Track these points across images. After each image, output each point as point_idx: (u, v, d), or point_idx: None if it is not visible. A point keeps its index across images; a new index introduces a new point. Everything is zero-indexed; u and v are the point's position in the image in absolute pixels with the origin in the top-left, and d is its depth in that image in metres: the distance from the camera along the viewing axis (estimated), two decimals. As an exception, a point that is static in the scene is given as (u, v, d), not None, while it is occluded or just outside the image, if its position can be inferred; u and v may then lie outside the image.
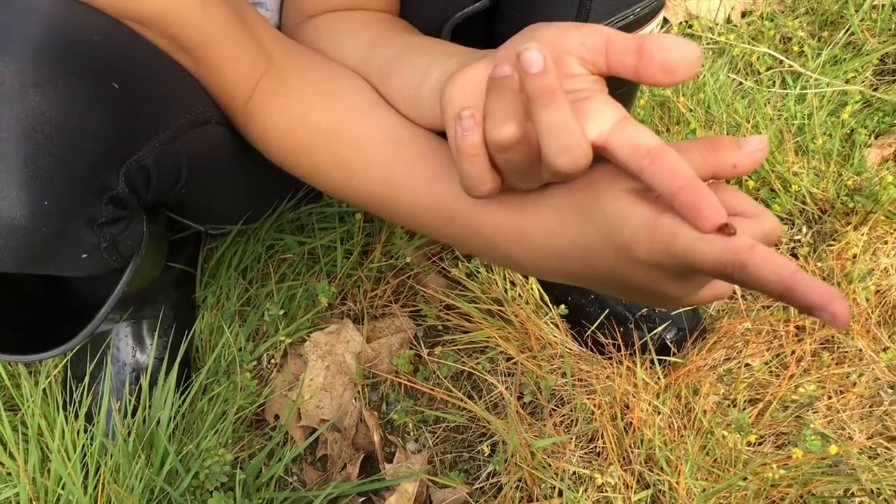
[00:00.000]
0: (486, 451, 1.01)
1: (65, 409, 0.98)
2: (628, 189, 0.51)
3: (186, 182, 0.76)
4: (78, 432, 0.93)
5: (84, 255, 0.70)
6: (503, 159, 0.52)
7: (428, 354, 1.09)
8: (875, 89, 1.34)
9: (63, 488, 0.90)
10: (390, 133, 0.67)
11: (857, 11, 1.43)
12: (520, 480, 0.96)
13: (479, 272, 1.11)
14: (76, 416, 0.96)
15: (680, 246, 0.48)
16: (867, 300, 1.06)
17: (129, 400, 0.98)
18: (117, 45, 0.65)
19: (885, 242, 1.11)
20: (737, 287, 1.11)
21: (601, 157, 0.52)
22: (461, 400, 1.03)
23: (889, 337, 1.04)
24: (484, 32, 0.83)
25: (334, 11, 0.80)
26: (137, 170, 0.68)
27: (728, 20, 1.49)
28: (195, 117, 0.73)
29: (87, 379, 0.98)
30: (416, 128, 0.67)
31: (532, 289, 1.08)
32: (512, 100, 0.49)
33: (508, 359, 1.06)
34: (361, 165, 0.68)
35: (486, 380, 1.05)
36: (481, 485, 0.99)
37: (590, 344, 1.05)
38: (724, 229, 0.48)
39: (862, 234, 1.10)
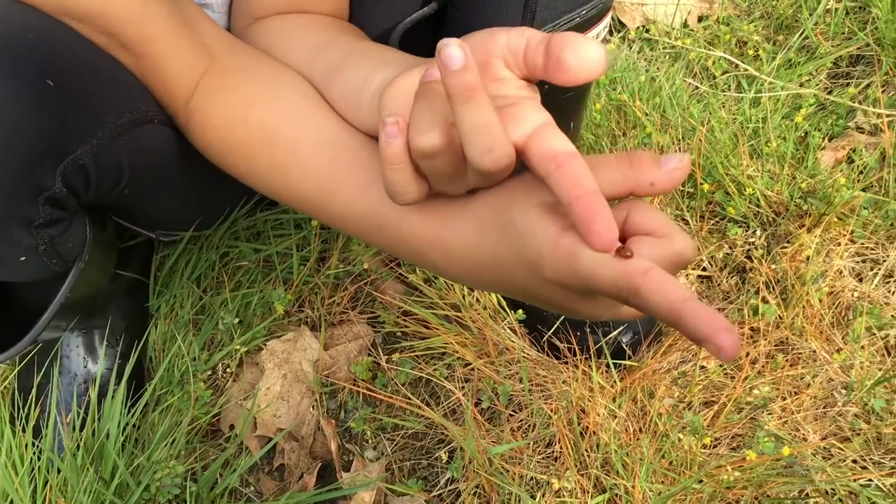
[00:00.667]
0: (445, 457, 1.00)
1: (12, 422, 0.96)
2: (540, 203, 0.51)
3: (129, 183, 0.74)
4: (26, 446, 0.91)
5: (22, 258, 0.69)
6: (428, 166, 0.51)
7: (386, 361, 1.09)
8: (829, 92, 1.36)
9: (10, 504, 0.89)
10: (329, 137, 0.66)
11: (810, 15, 1.45)
12: (478, 487, 0.96)
13: (436, 278, 1.11)
14: (24, 430, 0.94)
15: (580, 267, 0.47)
16: (820, 301, 1.06)
17: (78, 413, 0.96)
18: (54, 43, 0.63)
19: (838, 244, 1.12)
20: (692, 289, 1.12)
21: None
22: (419, 407, 1.02)
23: (842, 338, 1.04)
24: (432, 39, 0.82)
25: (282, 14, 0.79)
26: (75, 169, 0.67)
27: (684, 24, 1.50)
28: (136, 116, 0.71)
29: (34, 391, 0.96)
30: (356, 133, 0.66)
31: (489, 294, 1.08)
32: (438, 106, 0.49)
33: (466, 364, 1.05)
34: (298, 168, 0.67)
35: (443, 386, 1.04)
36: (439, 492, 0.99)
37: (546, 348, 1.05)
38: (621, 252, 0.47)
39: (815, 237, 1.11)
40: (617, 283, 0.46)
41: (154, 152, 0.76)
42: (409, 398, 1.04)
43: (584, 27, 0.76)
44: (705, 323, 0.41)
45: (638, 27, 1.50)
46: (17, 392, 0.99)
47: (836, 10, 1.44)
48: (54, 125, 0.63)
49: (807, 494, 0.92)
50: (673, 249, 0.48)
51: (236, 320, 1.09)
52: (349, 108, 0.66)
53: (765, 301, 1.08)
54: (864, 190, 1.17)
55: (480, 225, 0.55)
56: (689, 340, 0.42)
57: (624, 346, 1.01)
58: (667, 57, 1.44)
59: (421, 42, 0.81)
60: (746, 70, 1.37)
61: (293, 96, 0.70)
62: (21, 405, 0.97)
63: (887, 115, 1.26)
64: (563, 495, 0.93)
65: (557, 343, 1.03)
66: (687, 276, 1.13)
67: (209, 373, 1.08)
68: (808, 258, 1.10)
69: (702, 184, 1.18)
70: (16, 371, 1.01)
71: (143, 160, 0.74)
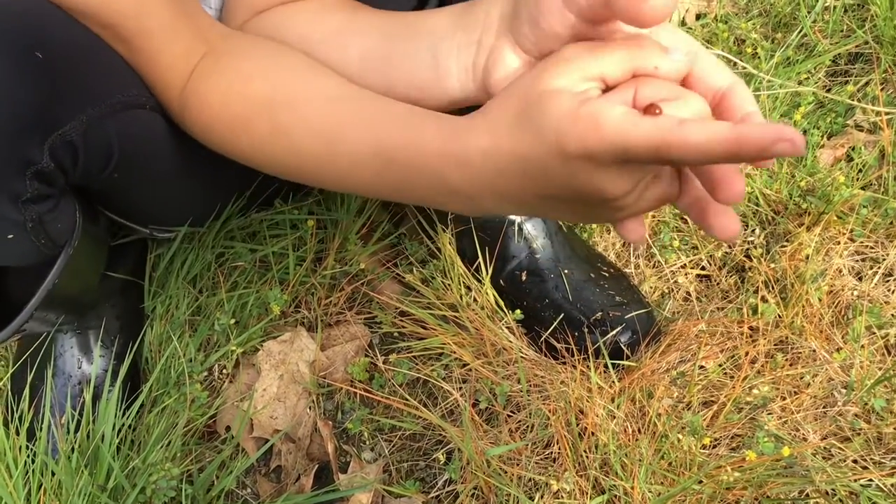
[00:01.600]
0: (442, 458, 1.00)
1: (6, 425, 0.96)
2: (547, 89, 0.51)
3: (118, 167, 0.73)
4: (20, 449, 0.90)
5: (10, 236, 0.68)
6: None
7: (383, 362, 1.08)
8: (828, 90, 1.35)
9: (4, 507, 0.88)
10: (328, 91, 0.66)
11: (809, 13, 1.44)
12: (476, 488, 0.95)
13: (434, 278, 1.10)
14: (18, 432, 0.93)
15: (608, 130, 0.47)
16: (820, 300, 1.06)
17: (73, 414, 0.95)
18: (43, 18, 0.63)
19: (838, 243, 1.11)
20: (691, 289, 1.11)
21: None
22: (416, 408, 1.01)
23: (842, 337, 1.04)
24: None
25: (286, 4, 0.78)
26: (64, 145, 0.66)
27: (682, 22, 1.49)
28: (128, 99, 0.70)
29: (27, 391, 0.96)
30: (354, 86, 0.66)
31: (487, 294, 1.07)
32: None
33: (464, 365, 1.05)
34: (299, 125, 0.66)
35: (441, 387, 1.04)
36: (437, 493, 0.98)
37: (544, 349, 1.04)
38: (650, 110, 0.48)
39: (815, 235, 1.11)
40: (652, 139, 0.46)
41: (145, 138, 0.75)
42: (407, 399, 1.03)
43: None
44: (769, 131, 0.42)
45: (636, 25, 1.50)
46: (10, 394, 0.98)
47: (835, 7, 1.44)
48: (42, 98, 0.62)
49: (807, 495, 0.92)
50: (691, 110, 0.50)
51: (232, 321, 1.08)
52: (422, 69, 0.65)
53: (764, 300, 1.07)
54: (863, 188, 1.17)
55: (494, 127, 0.54)
56: (754, 159, 0.44)
57: (622, 346, 1.01)
58: (665, 55, 1.43)
59: None
60: (745, 68, 1.36)
61: (291, 64, 0.69)
62: (15, 407, 0.97)
63: (886, 113, 1.25)
64: (562, 496, 0.93)
65: (555, 343, 1.03)
66: (686, 275, 1.13)
67: (205, 374, 1.07)
68: (807, 257, 1.09)
69: (700, 182, 1.17)
70: (9, 373, 1.00)
71: (134, 145, 0.74)
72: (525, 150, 0.52)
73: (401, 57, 0.66)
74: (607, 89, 0.52)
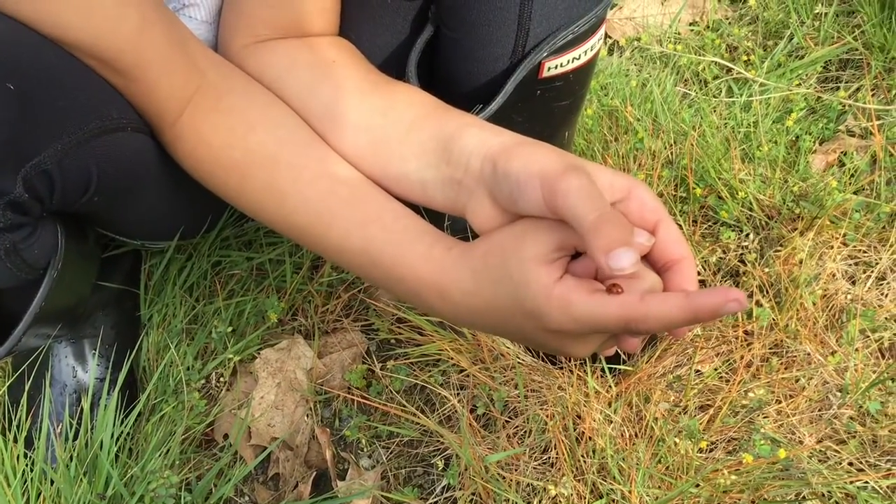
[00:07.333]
0: (440, 465, 1.00)
1: (4, 433, 0.95)
2: (532, 256, 0.55)
3: (98, 190, 0.72)
4: (18, 458, 0.90)
5: None
6: None
7: (381, 369, 1.08)
8: (819, 97, 1.36)
9: (2, 516, 0.88)
10: (329, 169, 0.69)
11: (798, 18, 1.45)
12: (474, 494, 0.96)
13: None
14: (15, 441, 0.93)
15: (578, 313, 0.52)
16: (814, 304, 1.07)
17: (71, 423, 0.95)
18: (15, 47, 0.62)
19: (831, 247, 1.12)
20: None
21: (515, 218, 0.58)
22: (414, 414, 1.01)
23: (836, 340, 1.05)
24: (424, 56, 0.82)
25: (285, 40, 0.78)
26: (39, 174, 0.64)
27: (676, 32, 1.50)
28: (107, 123, 0.69)
29: (24, 400, 0.95)
30: (354, 170, 0.69)
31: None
32: None
33: (461, 371, 1.05)
34: (295, 195, 0.69)
35: (438, 393, 1.04)
36: (436, 499, 0.98)
37: (541, 354, 1.05)
38: (613, 289, 0.53)
39: (808, 240, 1.12)
40: (619, 317, 0.51)
41: (128, 160, 0.74)
42: (404, 406, 1.03)
43: (577, 41, 0.76)
44: (717, 295, 0.48)
45: (628, 37, 1.51)
46: (8, 404, 0.98)
47: (826, 14, 1.45)
48: (14, 129, 0.61)
49: (803, 497, 0.92)
50: (648, 283, 0.54)
51: (230, 329, 1.08)
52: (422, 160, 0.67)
53: (759, 304, 1.08)
54: (855, 193, 1.18)
55: (476, 276, 0.59)
56: (711, 319, 0.50)
57: (619, 350, 1.01)
58: (658, 63, 1.44)
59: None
60: (739, 73, 1.37)
61: (293, 126, 0.72)
62: (13, 416, 0.97)
63: (877, 119, 1.27)
64: (560, 501, 0.93)
65: (552, 348, 1.03)
66: (681, 280, 1.13)
67: (203, 382, 1.07)
68: (801, 261, 1.10)
69: (694, 188, 1.18)
70: (7, 385, 1.00)
71: (115, 168, 0.72)
72: (503, 305, 0.57)
73: (394, 177, 0.69)
74: (577, 254, 0.57)
